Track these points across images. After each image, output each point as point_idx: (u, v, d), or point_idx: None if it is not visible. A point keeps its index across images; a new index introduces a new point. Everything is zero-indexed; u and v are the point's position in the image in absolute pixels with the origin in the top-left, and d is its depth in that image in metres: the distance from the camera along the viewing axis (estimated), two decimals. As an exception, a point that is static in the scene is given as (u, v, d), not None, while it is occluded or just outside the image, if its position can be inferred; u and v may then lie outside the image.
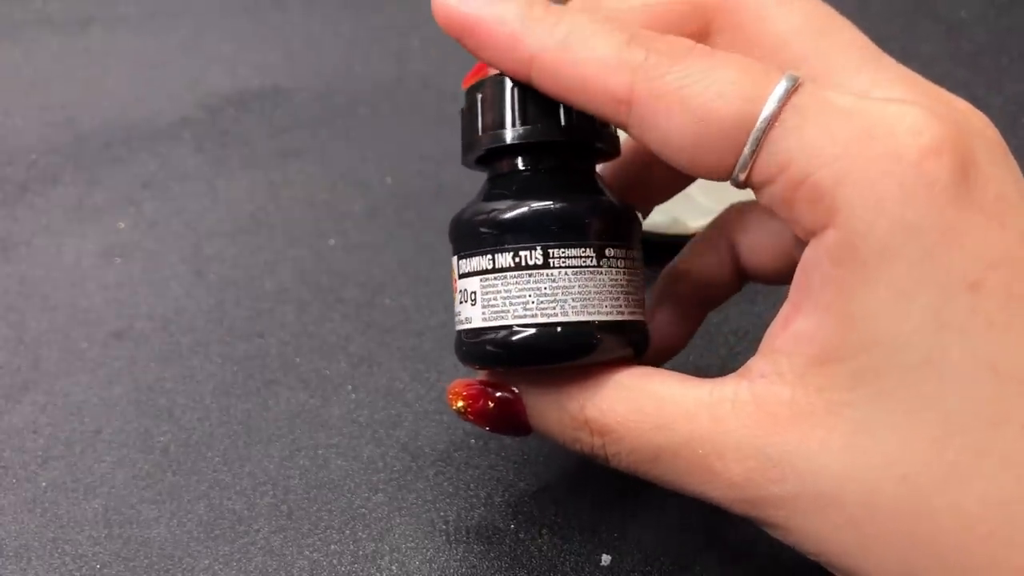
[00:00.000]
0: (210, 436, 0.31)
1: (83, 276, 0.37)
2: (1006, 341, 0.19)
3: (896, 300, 0.19)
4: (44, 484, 0.30)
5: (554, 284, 0.22)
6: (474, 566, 0.27)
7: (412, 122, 0.43)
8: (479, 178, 0.25)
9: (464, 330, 0.24)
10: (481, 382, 0.24)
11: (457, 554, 0.28)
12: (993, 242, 0.19)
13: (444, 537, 0.28)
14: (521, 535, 0.28)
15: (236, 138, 0.43)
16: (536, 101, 0.23)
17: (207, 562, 0.28)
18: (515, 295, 0.22)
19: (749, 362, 0.21)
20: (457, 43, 0.23)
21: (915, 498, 0.19)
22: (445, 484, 0.30)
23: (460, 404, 0.24)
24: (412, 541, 0.28)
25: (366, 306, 0.35)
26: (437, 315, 0.35)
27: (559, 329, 0.22)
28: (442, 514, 0.29)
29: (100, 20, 0.50)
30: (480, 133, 0.24)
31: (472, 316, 0.23)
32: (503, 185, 0.24)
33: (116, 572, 0.27)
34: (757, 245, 0.26)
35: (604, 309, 0.22)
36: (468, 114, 0.24)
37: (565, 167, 0.24)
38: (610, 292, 0.23)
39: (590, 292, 0.22)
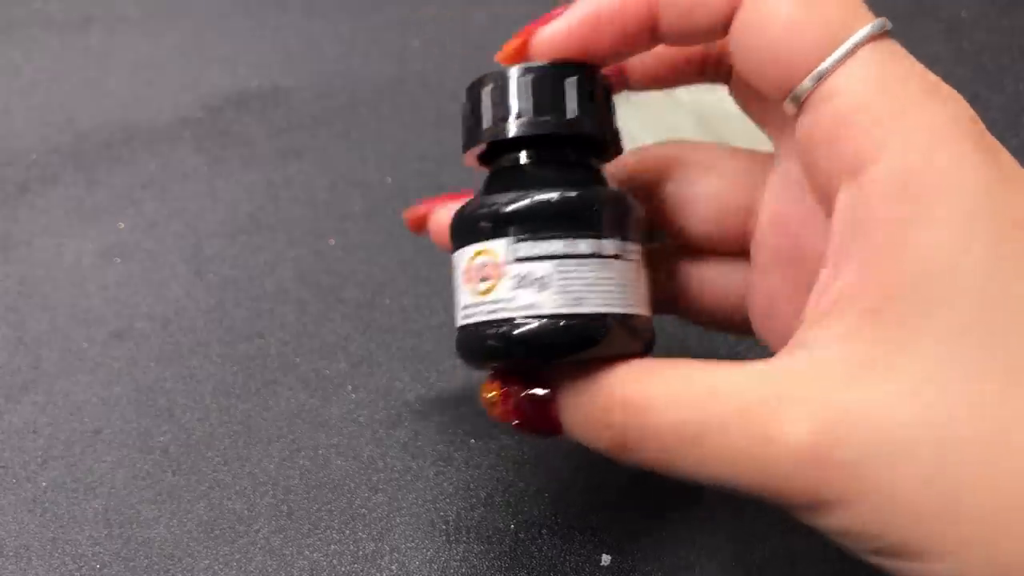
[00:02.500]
0: (210, 436, 0.31)
1: (83, 276, 0.37)
2: None
3: (953, 235, 0.18)
4: (44, 484, 0.30)
5: (569, 274, 0.22)
6: (474, 566, 0.27)
7: (412, 122, 0.43)
8: (479, 179, 0.25)
9: (477, 323, 0.23)
10: (516, 377, 0.23)
11: (457, 554, 0.28)
12: None
13: (444, 537, 0.28)
14: (521, 535, 0.28)
15: (236, 138, 0.43)
16: (541, 93, 0.23)
17: (207, 562, 0.28)
18: (530, 284, 0.22)
19: (795, 337, 0.21)
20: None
21: (995, 435, 0.18)
22: (445, 484, 0.30)
23: (491, 395, 0.23)
24: (412, 541, 0.28)
25: (366, 306, 0.35)
26: (437, 315, 0.35)
27: (570, 321, 0.22)
28: (442, 514, 0.29)
29: (100, 20, 0.49)
30: (483, 127, 0.24)
31: (503, 305, 0.22)
32: (507, 178, 0.24)
33: (116, 572, 0.27)
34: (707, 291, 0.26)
35: (614, 301, 0.22)
36: (472, 110, 0.24)
37: (568, 161, 0.24)
38: (620, 284, 0.22)
39: (602, 283, 0.22)
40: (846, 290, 0.20)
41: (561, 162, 0.24)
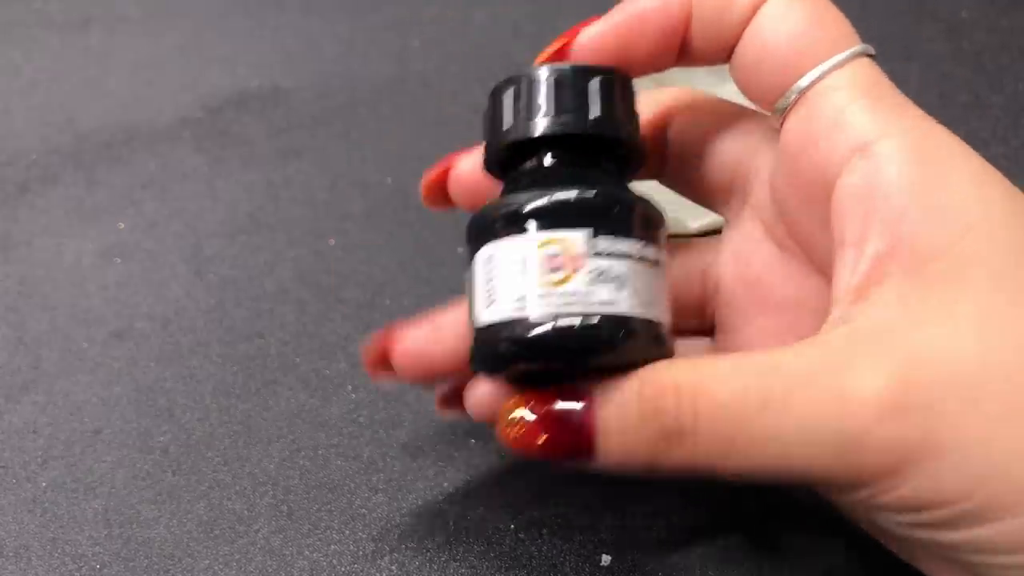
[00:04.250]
0: (210, 436, 0.31)
1: (83, 276, 0.37)
2: None
3: (972, 193, 0.20)
4: (44, 484, 0.30)
5: (642, 277, 0.21)
6: (474, 566, 0.27)
7: (412, 122, 0.43)
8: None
9: (551, 313, 0.21)
10: (544, 392, 0.22)
11: (457, 554, 0.28)
12: None
13: (444, 537, 0.28)
14: (521, 535, 0.28)
15: (236, 138, 0.43)
16: (605, 95, 0.23)
17: (207, 562, 0.28)
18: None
19: (831, 319, 0.21)
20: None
21: None
22: (445, 484, 0.30)
23: (516, 414, 0.21)
24: (412, 541, 0.28)
25: (366, 306, 0.35)
26: (437, 315, 0.35)
27: (644, 323, 0.21)
28: (442, 514, 0.29)
29: (100, 20, 0.50)
30: (531, 120, 0.23)
31: (579, 298, 0.21)
32: (539, 175, 0.23)
33: (116, 572, 0.27)
34: None
35: (665, 311, 0.22)
36: (506, 106, 0.24)
37: (598, 165, 0.23)
38: (665, 296, 0.22)
39: (661, 291, 0.22)
40: (879, 260, 0.20)
41: (592, 164, 0.23)
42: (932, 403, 0.18)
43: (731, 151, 0.26)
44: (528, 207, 0.22)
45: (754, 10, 0.23)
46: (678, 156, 0.27)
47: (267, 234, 0.38)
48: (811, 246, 0.24)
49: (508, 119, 0.23)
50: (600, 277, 0.21)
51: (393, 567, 0.27)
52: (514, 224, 0.22)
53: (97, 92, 0.45)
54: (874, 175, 0.21)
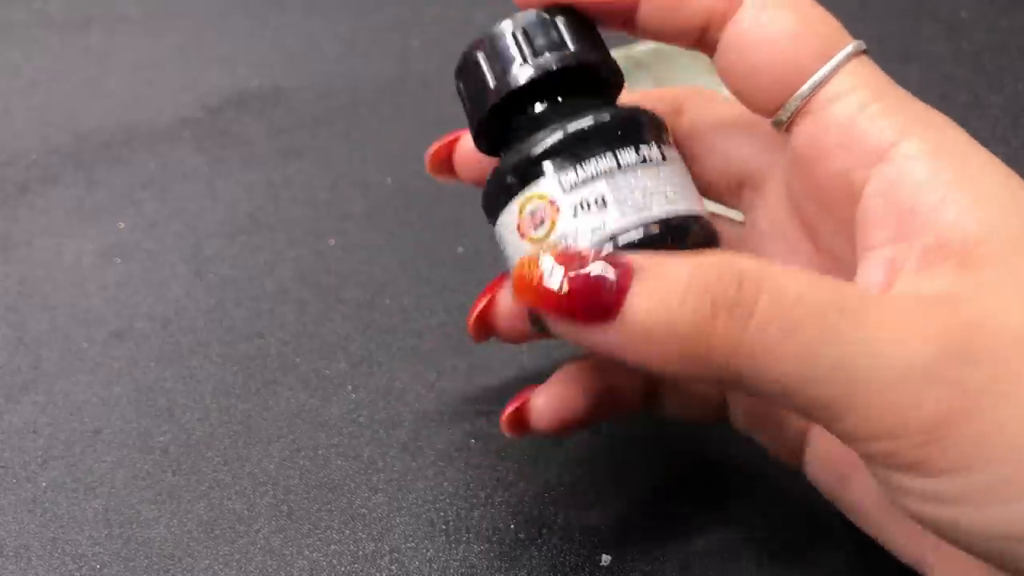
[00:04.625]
0: (210, 436, 0.31)
1: (83, 276, 0.37)
2: None
3: (1002, 179, 0.20)
4: (44, 484, 0.30)
5: (626, 186, 0.21)
6: (474, 566, 0.27)
7: (412, 122, 0.43)
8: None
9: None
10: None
11: (457, 554, 0.28)
12: None
13: (444, 537, 0.28)
14: (521, 535, 0.28)
15: (236, 138, 0.43)
16: (540, 35, 0.23)
17: (207, 562, 0.28)
18: (641, 188, 0.21)
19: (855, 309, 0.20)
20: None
21: None
22: (445, 484, 0.30)
23: (539, 264, 0.19)
24: (412, 541, 0.28)
25: (366, 306, 0.35)
26: (437, 315, 0.35)
27: (644, 227, 0.21)
28: (442, 514, 0.29)
29: (100, 20, 0.49)
30: (491, 87, 0.23)
31: (569, 240, 0.21)
32: (525, 130, 0.23)
33: (116, 572, 0.27)
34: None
35: (678, 201, 0.22)
36: (473, 82, 0.24)
37: (580, 92, 0.24)
38: (675, 186, 0.22)
39: (660, 187, 0.22)
40: (928, 251, 0.20)
41: (574, 95, 0.23)
42: (997, 352, 0.18)
43: (744, 147, 0.26)
44: (540, 148, 0.22)
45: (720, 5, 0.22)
46: (689, 150, 0.27)
47: (267, 234, 0.38)
48: (831, 248, 0.24)
49: (487, 82, 0.23)
50: (582, 208, 0.21)
51: (393, 567, 0.27)
52: (498, 199, 0.22)
53: (97, 92, 0.45)
54: (902, 176, 0.21)
